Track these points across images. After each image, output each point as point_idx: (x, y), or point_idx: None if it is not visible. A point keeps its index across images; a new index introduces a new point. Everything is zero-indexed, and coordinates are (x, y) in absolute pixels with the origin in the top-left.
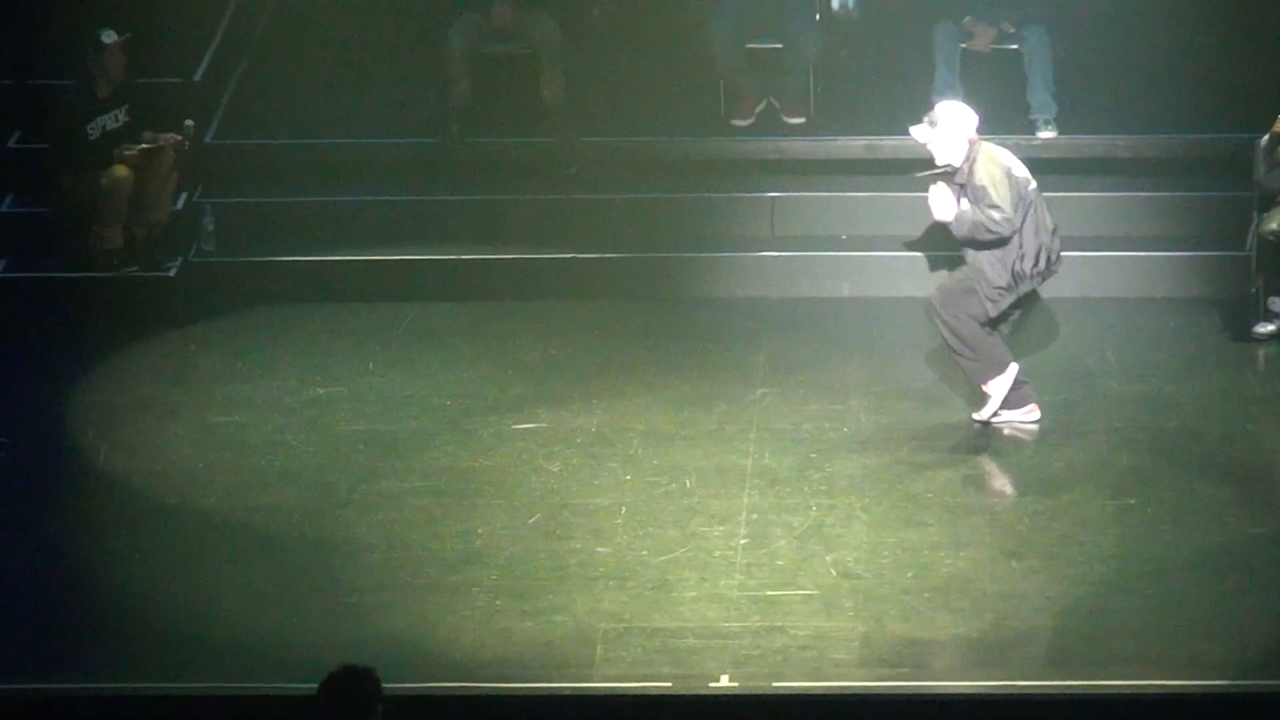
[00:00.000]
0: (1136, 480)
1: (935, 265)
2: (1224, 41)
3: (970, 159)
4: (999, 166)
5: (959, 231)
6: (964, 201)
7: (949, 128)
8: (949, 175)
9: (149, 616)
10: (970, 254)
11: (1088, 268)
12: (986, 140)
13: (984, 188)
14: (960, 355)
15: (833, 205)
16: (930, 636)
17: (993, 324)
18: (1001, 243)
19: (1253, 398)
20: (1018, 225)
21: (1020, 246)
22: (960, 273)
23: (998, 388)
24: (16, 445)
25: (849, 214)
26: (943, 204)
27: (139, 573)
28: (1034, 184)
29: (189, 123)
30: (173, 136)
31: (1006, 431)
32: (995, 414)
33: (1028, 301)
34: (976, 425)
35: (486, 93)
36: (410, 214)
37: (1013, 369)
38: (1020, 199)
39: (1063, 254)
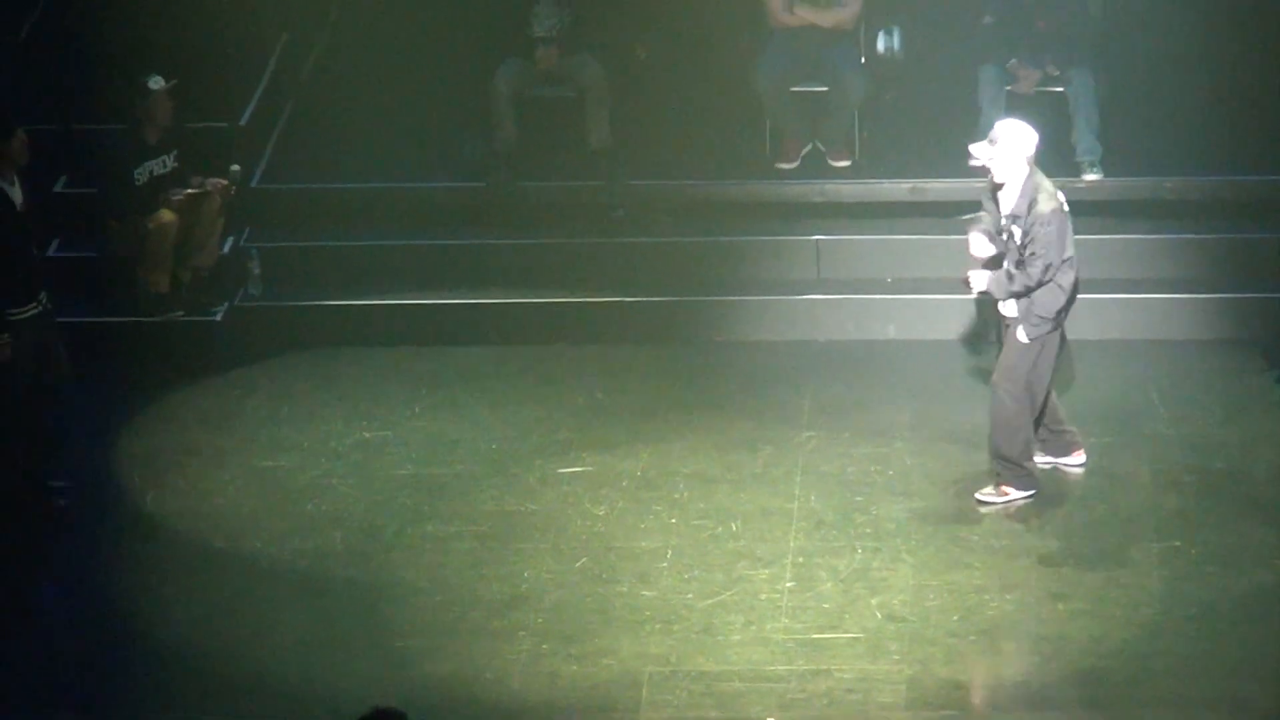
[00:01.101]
0: (1182, 523)
1: (979, 306)
2: (1268, 83)
3: (1031, 190)
4: (1058, 201)
5: (997, 294)
6: (1005, 259)
7: (1008, 146)
8: (995, 219)
9: (196, 660)
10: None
11: (1133, 310)
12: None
13: (1041, 225)
14: (999, 455)
15: (878, 248)
16: (976, 679)
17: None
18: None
19: None
20: (1058, 265)
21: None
22: (1005, 342)
23: (1012, 493)
24: (72, 490)
25: (894, 256)
26: (979, 274)
27: (186, 616)
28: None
29: (235, 168)
30: (220, 181)
31: (1052, 474)
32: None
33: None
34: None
35: (532, 136)
36: (456, 258)
37: (1033, 492)
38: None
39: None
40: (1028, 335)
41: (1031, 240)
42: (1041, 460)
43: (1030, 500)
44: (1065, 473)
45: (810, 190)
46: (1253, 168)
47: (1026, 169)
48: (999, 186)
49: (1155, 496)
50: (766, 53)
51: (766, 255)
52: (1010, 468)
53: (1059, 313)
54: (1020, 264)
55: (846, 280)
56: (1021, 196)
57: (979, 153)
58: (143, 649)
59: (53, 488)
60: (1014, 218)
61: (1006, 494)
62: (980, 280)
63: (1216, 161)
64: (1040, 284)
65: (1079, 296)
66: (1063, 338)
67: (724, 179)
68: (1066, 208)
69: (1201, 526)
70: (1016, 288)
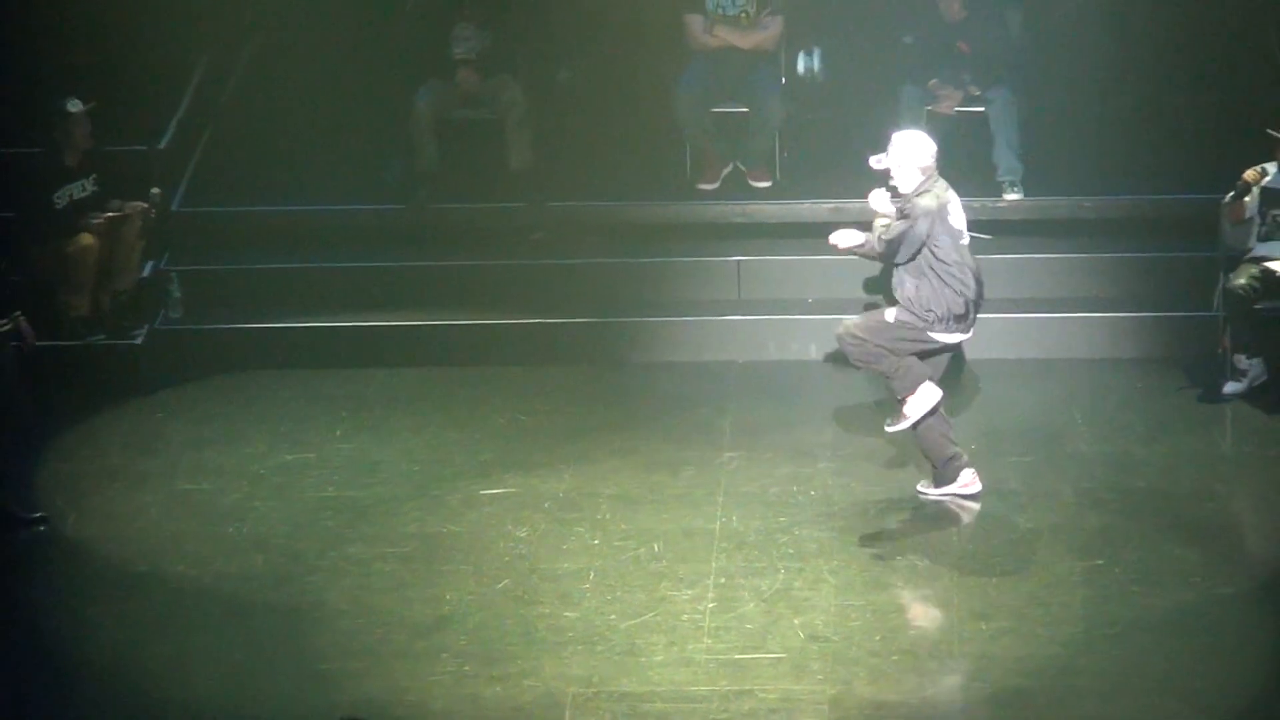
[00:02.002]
0: (1105, 541)
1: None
2: (1188, 103)
3: (921, 189)
4: (939, 203)
5: (878, 248)
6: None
7: (903, 155)
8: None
9: (119, 683)
10: (909, 294)
11: (1054, 329)
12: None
13: (911, 213)
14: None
15: (799, 268)
16: (899, 699)
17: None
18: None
19: (1221, 458)
20: (905, 254)
21: (971, 282)
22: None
23: (915, 407)
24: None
25: (815, 277)
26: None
27: (109, 639)
28: (966, 239)
29: (155, 191)
30: (139, 204)
31: (980, 488)
32: (934, 489)
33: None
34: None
35: (452, 158)
36: (377, 280)
37: (934, 392)
38: (954, 236)
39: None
40: (896, 317)
41: (900, 217)
42: (933, 493)
43: (939, 402)
44: (964, 503)
45: (731, 211)
46: (1171, 187)
47: (921, 177)
48: (900, 209)
49: (1078, 515)
50: (686, 74)
51: (687, 276)
52: (895, 380)
53: (946, 314)
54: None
55: (767, 301)
56: (912, 198)
57: (877, 164)
58: (65, 672)
59: (30, 519)
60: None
61: (907, 409)
62: (846, 237)
63: (1136, 180)
64: (885, 253)
65: (1004, 317)
66: (961, 356)
67: (644, 200)
68: (949, 212)
69: (1124, 545)
70: (882, 244)
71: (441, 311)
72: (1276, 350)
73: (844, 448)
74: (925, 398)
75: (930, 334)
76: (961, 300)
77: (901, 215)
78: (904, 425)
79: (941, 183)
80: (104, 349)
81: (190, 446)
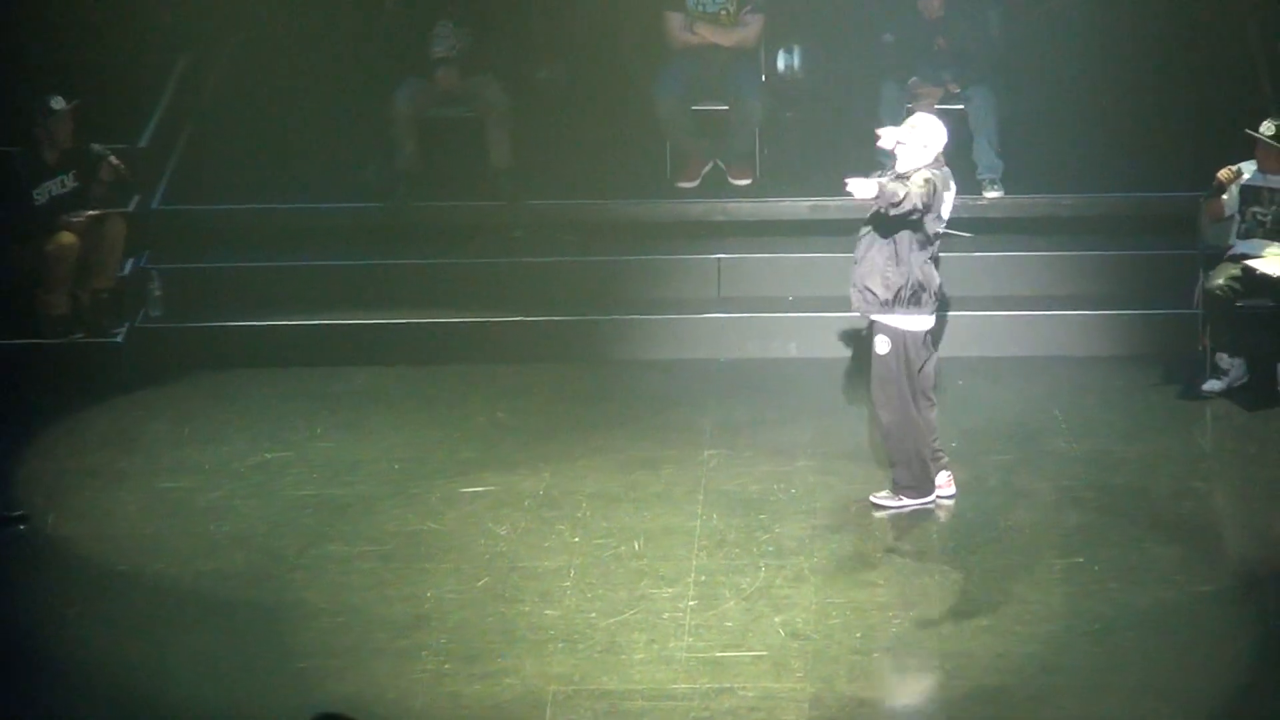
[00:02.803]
0: (1084, 539)
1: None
2: (1166, 101)
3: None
4: (936, 184)
5: (879, 200)
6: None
7: (919, 137)
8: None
9: (98, 682)
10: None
11: (1034, 327)
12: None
13: (910, 179)
14: (894, 460)
15: (779, 266)
16: (879, 696)
17: (915, 397)
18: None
19: (1200, 455)
20: (919, 207)
21: (934, 274)
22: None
23: (905, 499)
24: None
25: (796, 275)
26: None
27: (88, 639)
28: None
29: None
30: (112, 159)
31: (954, 491)
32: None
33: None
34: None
35: (432, 157)
36: (357, 278)
37: (931, 497)
38: (938, 225)
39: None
40: (888, 343)
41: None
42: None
43: (923, 507)
44: (943, 501)
45: (711, 209)
46: (1150, 185)
47: (929, 161)
48: (900, 176)
49: (1057, 513)
50: (666, 72)
51: (667, 274)
52: (903, 474)
53: (910, 295)
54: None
55: (748, 298)
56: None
57: (888, 136)
58: (44, 671)
59: (9, 517)
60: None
61: (901, 500)
62: (863, 186)
63: (1116, 178)
64: (902, 205)
65: (984, 315)
66: (931, 345)
67: (624, 198)
68: (950, 189)
69: (1103, 543)
70: (897, 192)
71: (421, 310)
72: (1257, 349)
73: (824, 445)
74: (921, 501)
75: (897, 324)
76: (926, 287)
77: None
78: (890, 508)
79: (946, 171)
80: (84, 347)
81: (170, 445)
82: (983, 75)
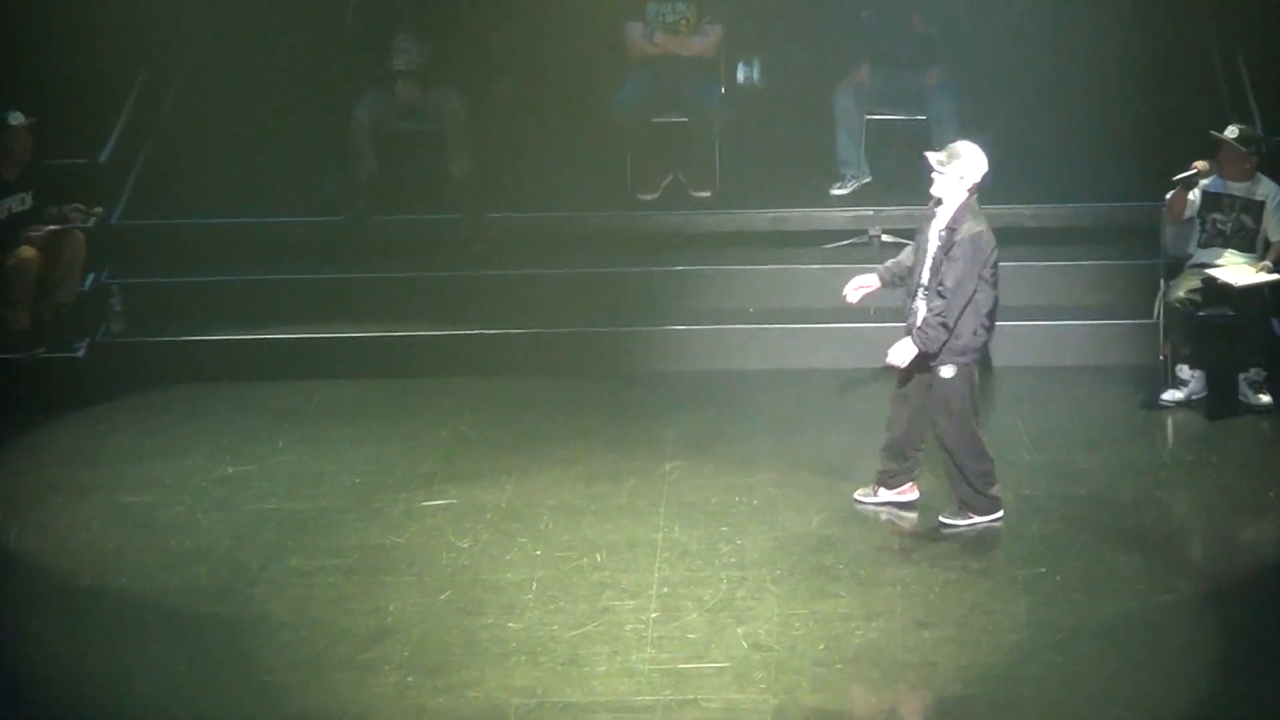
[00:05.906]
0: (1047, 549)
1: (844, 336)
2: (1128, 112)
3: (965, 214)
4: (984, 227)
5: (930, 348)
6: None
7: (959, 166)
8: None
9: (61, 698)
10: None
11: (997, 337)
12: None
13: (961, 245)
14: (960, 479)
15: (740, 278)
16: (843, 708)
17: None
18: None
19: (1162, 465)
20: (971, 288)
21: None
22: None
23: (976, 518)
24: None
25: (756, 286)
26: (902, 353)
27: (51, 654)
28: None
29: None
30: (78, 208)
31: (916, 502)
32: (874, 500)
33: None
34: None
35: (392, 170)
36: (317, 292)
37: (998, 515)
38: (990, 262)
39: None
40: (953, 368)
41: (950, 260)
42: (873, 501)
43: (992, 525)
44: (904, 512)
45: (672, 221)
46: (1112, 195)
47: (965, 195)
48: (938, 202)
49: (1020, 523)
50: (626, 84)
51: (628, 286)
52: (974, 496)
53: (978, 339)
54: (938, 293)
55: (709, 310)
56: (955, 216)
57: (935, 159)
58: (6, 686)
59: None
60: (946, 231)
61: (971, 519)
62: (903, 352)
63: (1078, 189)
64: (957, 312)
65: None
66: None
67: (585, 211)
68: (992, 240)
69: (1066, 553)
70: (940, 332)
71: (383, 323)
72: (1217, 360)
73: (786, 457)
74: (990, 518)
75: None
76: (982, 334)
77: (947, 249)
78: (960, 526)
79: (977, 206)
80: (45, 362)
81: (132, 459)
82: (945, 83)
